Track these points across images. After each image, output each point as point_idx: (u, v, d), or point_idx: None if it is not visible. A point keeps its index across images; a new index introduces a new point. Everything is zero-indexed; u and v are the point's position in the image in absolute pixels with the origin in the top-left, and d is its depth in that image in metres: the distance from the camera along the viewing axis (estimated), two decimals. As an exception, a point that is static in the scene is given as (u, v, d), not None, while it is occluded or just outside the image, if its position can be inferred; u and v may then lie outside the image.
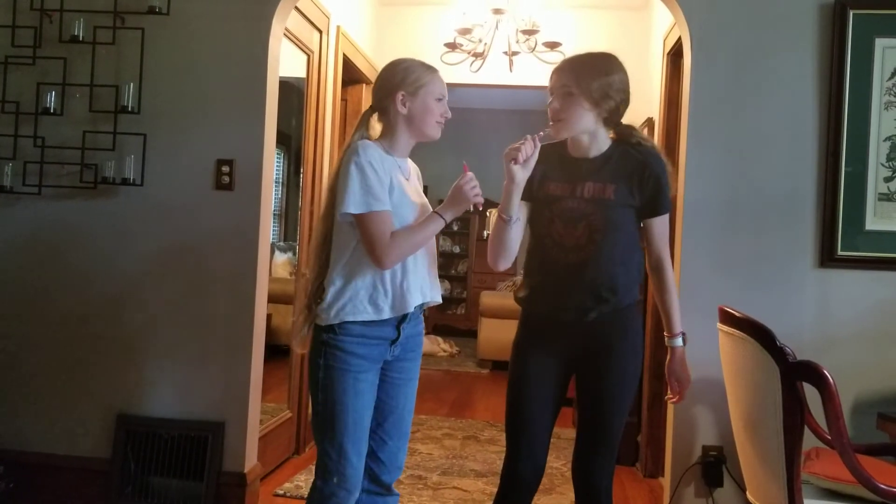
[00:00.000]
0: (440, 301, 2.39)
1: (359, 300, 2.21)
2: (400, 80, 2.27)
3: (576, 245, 2.24)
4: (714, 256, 3.14)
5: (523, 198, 2.30)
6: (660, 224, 2.33)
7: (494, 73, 5.06)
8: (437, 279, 2.40)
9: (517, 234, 2.31)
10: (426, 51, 5.17)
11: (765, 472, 2.40)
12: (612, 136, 2.34)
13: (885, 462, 2.66)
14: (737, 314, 2.48)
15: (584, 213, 2.24)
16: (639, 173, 2.27)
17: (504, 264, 2.32)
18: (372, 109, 2.34)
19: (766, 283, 3.11)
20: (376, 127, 2.35)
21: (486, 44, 4.76)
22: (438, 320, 9.80)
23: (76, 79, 3.31)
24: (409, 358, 2.37)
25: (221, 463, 3.22)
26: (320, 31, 4.14)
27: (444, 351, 8.13)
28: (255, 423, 3.33)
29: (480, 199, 2.26)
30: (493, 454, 4.39)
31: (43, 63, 3.32)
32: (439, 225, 2.25)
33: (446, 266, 10.07)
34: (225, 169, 3.25)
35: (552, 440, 2.37)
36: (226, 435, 3.23)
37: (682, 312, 3.11)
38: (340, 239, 2.26)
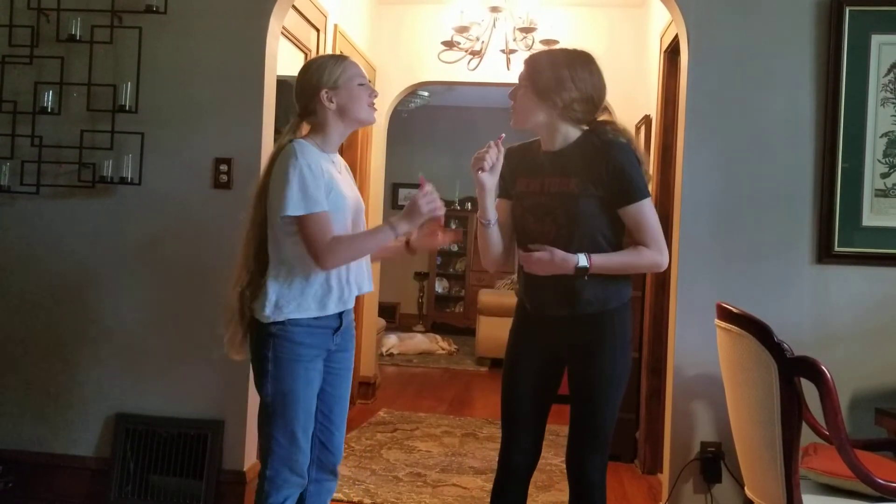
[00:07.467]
0: (371, 290, 2.45)
1: (304, 299, 2.25)
2: (317, 79, 2.32)
3: (545, 242, 2.25)
4: (711, 253, 3.15)
5: (503, 196, 2.38)
6: (634, 214, 2.26)
7: (492, 71, 5.06)
8: (370, 268, 2.46)
9: (499, 235, 2.37)
10: (424, 49, 5.19)
11: (763, 468, 2.41)
12: (584, 128, 2.33)
13: (883, 457, 2.67)
14: (734, 310, 2.48)
15: (549, 209, 2.27)
16: (598, 163, 2.23)
17: (493, 264, 2.40)
18: (299, 117, 2.37)
19: (764, 280, 3.12)
20: (304, 128, 2.39)
21: (483, 42, 4.77)
22: (437, 318, 9.80)
23: (74, 78, 3.31)
24: (348, 348, 2.44)
25: (221, 461, 3.22)
26: (318, 30, 4.15)
27: (443, 349, 8.13)
28: (254, 422, 3.33)
29: (439, 213, 2.28)
30: (492, 451, 4.39)
31: (40, 62, 3.32)
32: (388, 236, 2.28)
33: (444, 265, 10.07)
34: (223, 168, 3.25)
35: (551, 437, 2.40)
36: (225, 433, 3.23)
37: (680, 309, 3.16)
38: (280, 241, 2.27)
